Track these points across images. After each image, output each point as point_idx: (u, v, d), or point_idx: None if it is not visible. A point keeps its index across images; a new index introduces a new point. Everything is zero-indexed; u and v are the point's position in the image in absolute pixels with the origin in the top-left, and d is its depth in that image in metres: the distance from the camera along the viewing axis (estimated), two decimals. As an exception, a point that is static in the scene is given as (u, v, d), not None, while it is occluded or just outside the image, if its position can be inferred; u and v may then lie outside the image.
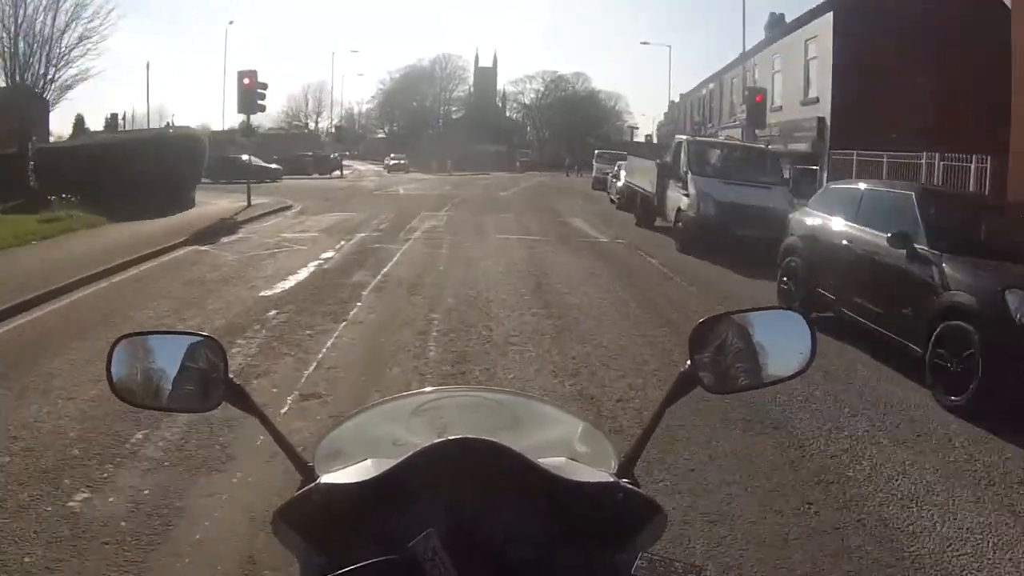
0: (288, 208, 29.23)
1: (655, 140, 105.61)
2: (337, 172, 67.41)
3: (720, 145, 24.91)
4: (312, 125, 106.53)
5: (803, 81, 34.83)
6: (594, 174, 52.59)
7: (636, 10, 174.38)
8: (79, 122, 75.51)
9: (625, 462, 1.68)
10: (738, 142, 29.54)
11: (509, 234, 22.19)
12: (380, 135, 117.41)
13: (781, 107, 37.20)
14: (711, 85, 56.22)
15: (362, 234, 20.71)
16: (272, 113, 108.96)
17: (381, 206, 30.96)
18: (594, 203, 37.12)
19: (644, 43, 75.29)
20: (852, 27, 29.71)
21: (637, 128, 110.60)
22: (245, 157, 53.06)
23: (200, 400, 1.78)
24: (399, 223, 23.82)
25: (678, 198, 20.36)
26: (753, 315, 1.82)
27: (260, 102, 30.15)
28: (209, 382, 1.76)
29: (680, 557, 1.38)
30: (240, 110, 30.36)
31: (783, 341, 1.83)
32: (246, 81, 28.61)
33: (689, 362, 1.74)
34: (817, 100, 32.55)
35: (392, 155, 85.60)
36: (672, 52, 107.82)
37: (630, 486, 1.53)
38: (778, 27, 42.69)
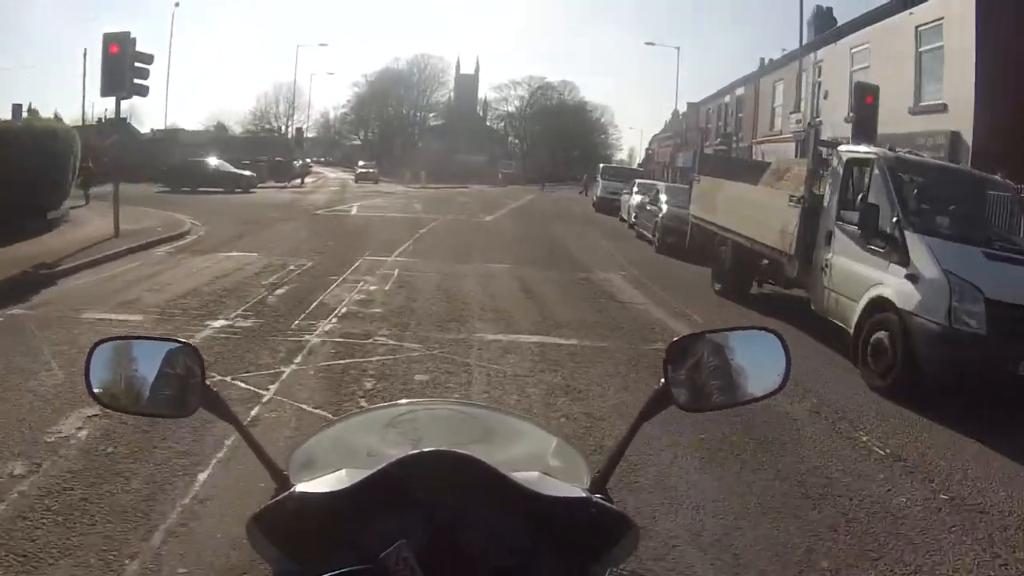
0: (173, 238, 19.83)
1: (639, 156, 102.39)
2: (298, 181, 59.23)
3: (940, 171, 12.52)
4: (283, 128, 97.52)
5: (914, 82, 25.60)
6: (599, 193, 43.32)
7: (626, 19, 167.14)
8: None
9: (598, 478, 1.71)
10: (956, 166, 17.25)
11: (515, 326, 11.44)
12: (356, 141, 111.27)
13: (869, 115, 27.37)
14: (739, 90, 46.69)
15: (220, 321, 10.63)
16: (241, 114, 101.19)
17: (310, 239, 21.32)
18: (618, 239, 27.44)
19: (649, 43, 67.94)
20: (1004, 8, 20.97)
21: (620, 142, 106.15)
22: (213, 162, 45.22)
23: (178, 406, 1.79)
24: (312, 285, 13.96)
25: (879, 280, 9.89)
26: (729, 334, 1.83)
27: (139, 81, 20.01)
28: (187, 388, 1.77)
29: (649, 573, 1.72)
30: (106, 91, 19.97)
31: (758, 361, 1.83)
32: (112, 48, 19.09)
33: (663, 380, 1.76)
34: (945, 108, 23.60)
35: (361, 163, 78.69)
36: (669, 60, 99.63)
37: (603, 501, 1.53)
38: (826, 24, 35.37)
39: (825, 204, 11.75)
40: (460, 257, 18.67)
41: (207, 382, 1.77)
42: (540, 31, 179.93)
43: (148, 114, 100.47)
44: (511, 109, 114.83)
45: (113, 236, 18.22)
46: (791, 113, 35.06)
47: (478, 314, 12.06)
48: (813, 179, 12.31)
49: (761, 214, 13.51)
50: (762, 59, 49.65)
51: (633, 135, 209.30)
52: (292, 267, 15.44)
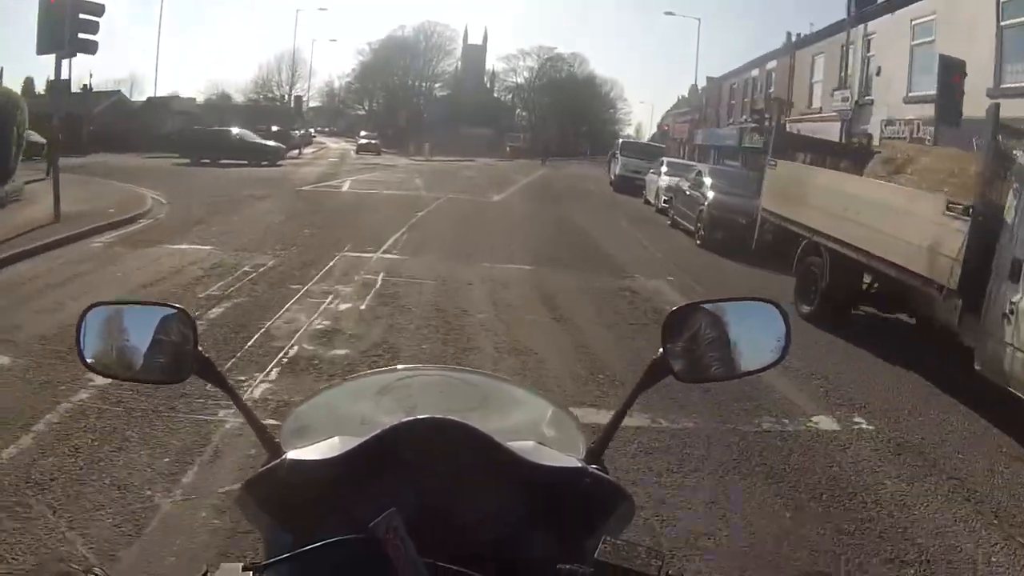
0: (122, 223, 16.61)
1: (648, 132, 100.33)
2: (295, 151, 55.22)
3: None
4: (285, 97, 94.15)
5: (994, 59, 21.92)
6: (618, 171, 39.68)
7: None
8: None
9: (594, 448, 1.67)
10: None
11: (548, 382, 7.63)
12: (360, 111, 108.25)
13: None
14: (771, 64, 42.73)
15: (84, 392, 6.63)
16: (241, 83, 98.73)
17: (284, 225, 17.73)
18: (648, 226, 24.05)
19: (669, 13, 60.87)
20: None
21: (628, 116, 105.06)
22: (235, 131, 42.15)
23: (170, 372, 1.76)
24: (264, 300, 10.47)
25: None
26: (727, 305, 1.80)
27: (85, 36, 16.87)
28: (179, 354, 1.73)
29: (644, 542, 1.28)
30: (43, 47, 17.03)
31: (757, 332, 1.81)
32: (51, -1, 16.08)
33: (661, 350, 1.72)
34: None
35: (363, 133, 75.45)
36: (683, 33, 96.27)
37: (598, 471, 1.51)
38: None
39: (1009, 220, 7.92)
40: (464, 253, 15.05)
41: (199, 348, 1.71)
42: (547, 4, 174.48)
43: (149, 81, 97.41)
44: (520, 80, 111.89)
45: (52, 221, 15.19)
46: (835, 90, 31.44)
47: (491, 357, 8.46)
48: (990, 182, 8.45)
49: (889, 221, 9.69)
50: (789, 33, 46.55)
51: (643, 110, 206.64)
52: (247, 268, 11.98)
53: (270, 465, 1.49)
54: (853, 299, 11.57)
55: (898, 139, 25.08)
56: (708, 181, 21.42)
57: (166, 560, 4.21)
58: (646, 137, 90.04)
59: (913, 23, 26.18)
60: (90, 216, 16.26)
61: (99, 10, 16.99)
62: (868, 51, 30.13)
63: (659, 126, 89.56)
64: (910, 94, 25.52)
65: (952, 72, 20.12)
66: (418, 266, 13.20)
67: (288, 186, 28.45)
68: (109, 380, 7.28)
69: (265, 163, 39.39)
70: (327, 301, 10.24)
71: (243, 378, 7.04)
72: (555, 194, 33.93)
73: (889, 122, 26.65)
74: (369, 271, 12.43)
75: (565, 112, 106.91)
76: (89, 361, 1.78)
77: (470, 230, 18.53)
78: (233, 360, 7.52)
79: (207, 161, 37.64)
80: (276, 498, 1.45)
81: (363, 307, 10.06)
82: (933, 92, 24.01)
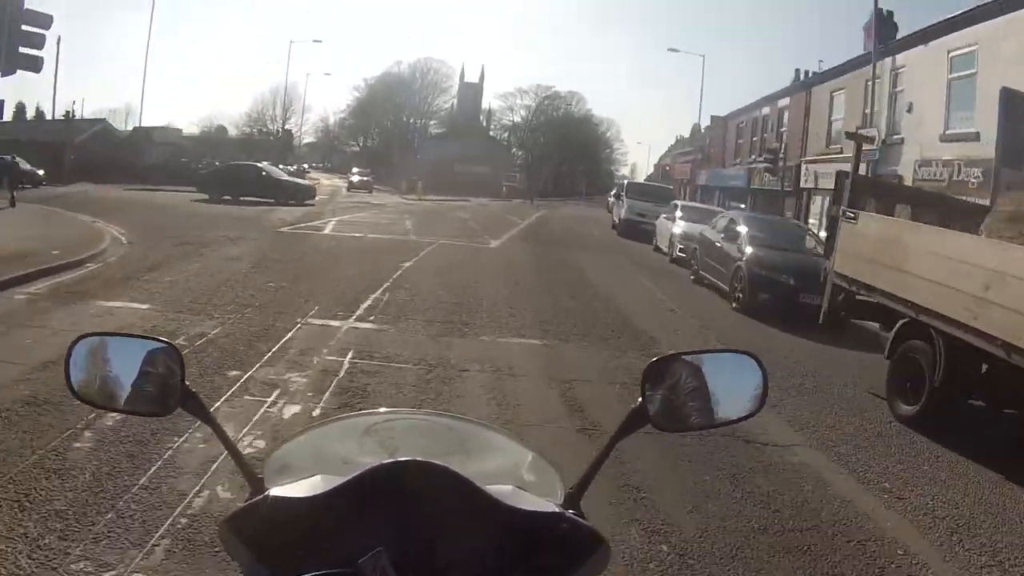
0: (62, 269, 14.21)
1: (644, 172, 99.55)
2: None
3: None
4: (279, 131, 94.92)
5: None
6: (623, 215, 36.57)
7: (637, 32, 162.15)
8: None
9: (572, 493, 1.69)
10: None
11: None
12: (354, 148, 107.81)
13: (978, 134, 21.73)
14: (783, 102, 40.39)
15: None
16: (236, 116, 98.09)
17: (247, 278, 14.90)
18: (666, 280, 21.23)
19: (673, 50, 59.27)
20: None
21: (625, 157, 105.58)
22: (261, 167, 40.04)
23: (156, 405, 1.79)
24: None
25: None
26: (706, 356, 1.85)
27: (26, 51, 14.84)
28: (166, 387, 1.77)
29: None
30: None
31: (735, 382, 1.84)
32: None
33: (640, 399, 1.77)
34: None
35: (355, 169, 73.21)
36: (682, 72, 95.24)
37: (575, 517, 1.54)
38: (887, 29, 29.81)
39: None
40: (457, 322, 12.20)
41: (186, 382, 1.76)
42: (547, 41, 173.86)
43: (145, 112, 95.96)
44: (516, 119, 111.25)
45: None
46: (859, 128, 28.97)
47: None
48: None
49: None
50: (798, 70, 44.62)
51: (639, 150, 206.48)
52: (181, 342, 9.17)
53: (252, 501, 1.50)
54: (966, 392, 8.89)
55: (934, 181, 22.70)
56: (744, 231, 18.43)
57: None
58: (642, 177, 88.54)
59: (951, 55, 23.95)
60: (31, 258, 14.15)
61: (46, 22, 14.79)
62: (896, 86, 27.93)
63: (661, 166, 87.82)
64: (947, 131, 23.33)
65: (1018, 106, 17.64)
66: (398, 341, 10.44)
67: (267, 226, 25.78)
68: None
69: (292, 202, 36.63)
70: (268, 401, 7.47)
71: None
72: (557, 239, 31.18)
73: (924, 163, 24.21)
74: (334, 349, 9.69)
75: (561, 152, 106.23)
76: (76, 388, 1.78)
77: (465, 287, 15.66)
78: (85, 544, 4.67)
79: (228, 198, 35.25)
80: (258, 534, 1.45)
81: (317, 412, 7.32)
82: (973, 129, 21.86)
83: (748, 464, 7.27)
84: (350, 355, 9.39)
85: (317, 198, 41.20)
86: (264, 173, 38.98)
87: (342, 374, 8.54)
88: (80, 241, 17.28)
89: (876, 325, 11.64)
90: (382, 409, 2.36)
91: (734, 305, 16.77)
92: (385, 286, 14.74)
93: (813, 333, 13.28)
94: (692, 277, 21.01)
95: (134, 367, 1.77)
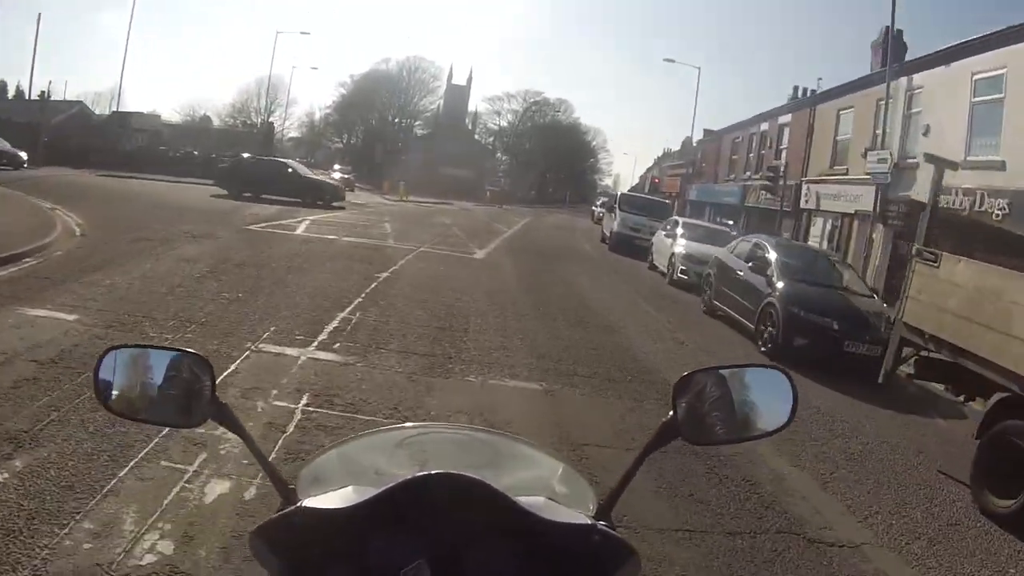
0: None
1: (628, 183, 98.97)
2: None
3: None
4: (261, 123, 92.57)
5: None
6: (616, 228, 34.14)
7: (628, 45, 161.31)
8: None
9: (603, 505, 1.72)
10: None
11: None
12: (338, 144, 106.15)
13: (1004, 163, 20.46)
14: (785, 117, 38.85)
15: None
16: (219, 106, 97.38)
17: (201, 283, 13.09)
18: (670, 307, 19.18)
19: (669, 60, 58.55)
20: None
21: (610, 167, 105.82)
22: (287, 164, 38.89)
23: (186, 415, 1.79)
24: (90, 451, 5.89)
25: None
26: (737, 371, 1.84)
27: None
28: (196, 398, 1.77)
29: None
30: None
31: (765, 397, 1.83)
32: None
33: (672, 412, 1.77)
34: None
35: (337, 166, 72.25)
36: (673, 86, 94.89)
37: (607, 528, 1.53)
38: (896, 47, 28.03)
39: None
40: (439, 355, 10.25)
41: (216, 394, 1.75)
42: (537, 46, 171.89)
43: (129, 95, 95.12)
44: (503, 124, 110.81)
45: None
46: (868, 150, 27.43)
47: None
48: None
49: None
50: (796, 87, 43.40)
51: (626, 161, 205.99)
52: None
53: (284, 511, 1.51)
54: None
55: (954, 209, 21.06)
56: (775, 261, 15.79)
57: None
58: (625, 188, 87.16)
59: (975, 77, 22.37)
60: None
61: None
62: (911, 107, 26.37)
63: (649, 178, 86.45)
64: (968, 158, 21.62)
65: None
66: (366, 380, 8.52)
67: (236, 222, 23.79)
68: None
69: (320, 203, 34.49)
70: (189, 472, 5.59)
71: None
72: (545, 251, 29.27)
73: (942, 189, 22.55)
74: (286, 390, 7.77)
75: (547, 159, 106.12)
76: (105, 399, 1.80)
77: (448, 308, 13.63)
78: None
79: (248, 195, 33.37)
80: (288, 544, 1.45)
81: (251, 494, 5.41)
82: (998, 157, 20.33)
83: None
84: (304, 400, 7.48)
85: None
86: (291, 170, 36.64)
87: (291, 429, 6.63)
88: (27, 231, 15.45)
89: (940, 386, 9.91)
90: (412, 424, 2.51)
91: (762, 348, 14.31)
92: (356, 303, 12.84)
93: (862, 391, 11.57)
94: (703, 307, 18.64)
95: (162, 378, 1.77)
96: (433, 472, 1.44)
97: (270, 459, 1.79)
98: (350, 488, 1.52)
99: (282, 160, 39.45)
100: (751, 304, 15.46)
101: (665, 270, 24.75)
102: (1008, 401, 7.64)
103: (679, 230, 25.51)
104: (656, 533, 5.76)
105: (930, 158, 18.76)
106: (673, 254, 23.94)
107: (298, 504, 1.51)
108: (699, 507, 6.40)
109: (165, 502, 5.09)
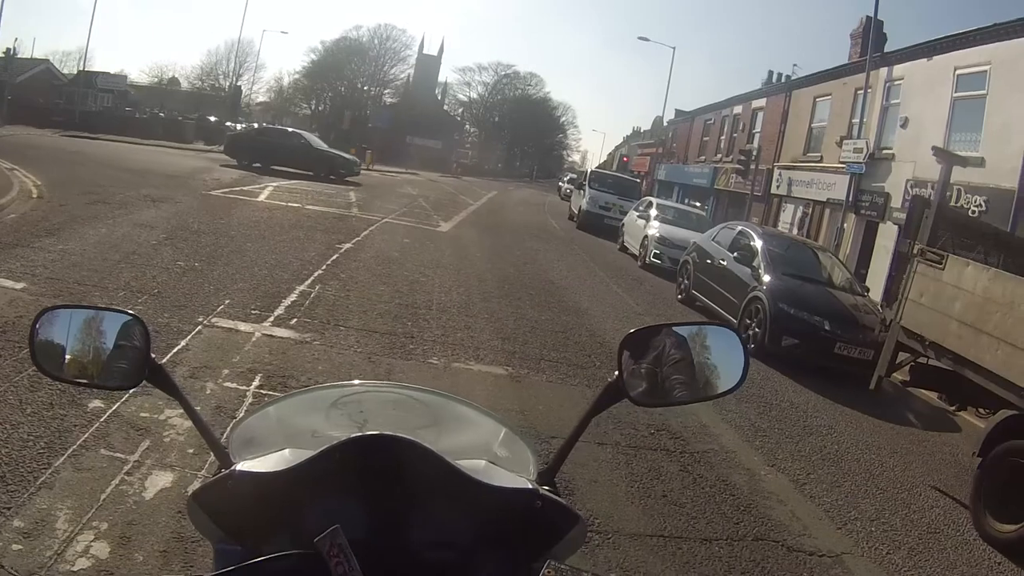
0: None
1: (595, 161, 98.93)
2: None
3: None
4: (229, 86, 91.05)
5: None
6: (585, 206, 33.28)
7: (598, 20, 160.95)
8: None
9: (546, 470, 1.66)
10: None
11: None
12: (306, 111, 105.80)
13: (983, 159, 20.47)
14: (760, 102, 38.64)
15: None
16: (187, 69, 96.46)
17: (158, 250, 12.64)
18: (642, 291, 18.92)
19: (643, 39, 56.68)
20: None
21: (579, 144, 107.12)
22: (297, 135, 37.08)
23: (122, 377, 1.74)
24: (13, 439, 5.37)
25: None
26: (685, 328, 1.77)
27: None
28: (131, 359, 1.72)
29: (588, 568, 1.43)
30: None
31: (716, 357, 1.77)
32: None
33: (617, 372, 1.70)
34: None
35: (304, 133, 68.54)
36: (645, 64, 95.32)
37: (549, 494, 1.49)
38: (877, 38, 27.55)
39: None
40: (400, 333, 9.89)
41: (152, 355, 1.70)
42: (511, 19, 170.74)
43: (98, 55, 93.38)
44: (473, 95, 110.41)
45: None
46: (844, 139, 27.27)
47: None
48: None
49: None
50: (771, 71, 43.31)
51: (595, 138, 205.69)
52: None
53: (220, 475, 1.47)
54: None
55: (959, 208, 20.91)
56: (762, 251, 14.78)
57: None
58: (593, 165, 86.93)
59: (958, 72, 22.35)
60: None
61: None
62: (889, 98, 26.34)
63: (618, 155, 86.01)
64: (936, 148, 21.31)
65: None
66: (323, 360, 8.15)
67: (197, 186, 23.17)
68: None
69: (334, 177, 33.63)
70: (130, 463, 5.18)
71: None
72: (511, 227, 28.83)
73: (917, 183, 22.46)
74: (238, 370, 7.36)
75: (515, 133, 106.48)
76: (40, 359, 1.74)
77: (412, 284, 13.22)
78: None
79: (258, 166, 32.51)
80: (225, 508, 1.42)
81: (195, 487, 5.03)
82: (978, 154, 20.18)
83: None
84: (257, 382, 7.09)
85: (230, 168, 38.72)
86: (303, 141, 35.43)
87: (242, 414, 6.21)
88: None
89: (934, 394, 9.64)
90: (352, 381, 2.27)
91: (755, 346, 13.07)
92: (316, 275, 12.41)
93: (851, 396, 11.23)
94: (680, 296, 17.70)
95: (97, 340, 1.72)
96: (370, 433, 1.41)
97: (221, 438, 1.69)
98: (286, 451, 1.50)
99: (294, 130, 38.18)
100: (735, 297, 14.61)
101: (637, 252, 23.93)
102: (1015, 419, 7.24)
103: (653, 211, 24.88)
104: (629, 539, 5.47)
105: (939, 152, 18.43)
106: (646, 236, 23.13)
107: (232, 468, 1.46)
108: (673, 510, 6.10)
109: (102, 497, 4.69)
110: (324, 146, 36.90)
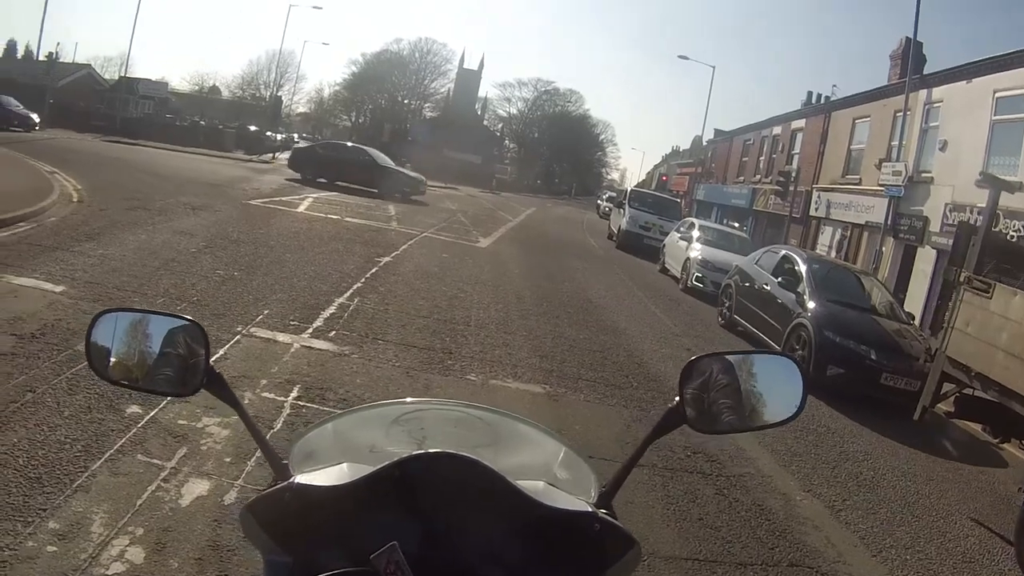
0: None
1: (634, 179, 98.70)
2: (269, 155, 51.36)
3: None
4: (270, 96, 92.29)
5: None
6: (625, 226, 32.22)
7: (642, 41, 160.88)
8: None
9: (604, 492, 1.67)
10: None
11: None
12: (346, 122, 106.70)
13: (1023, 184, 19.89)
14: (799, 122, 38.42)
15: None
16: (228, 77, 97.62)
17: (198, 257, 12.74)
18: (684, 318, 18.61)
19: (683, 57, 57.51)
20: None
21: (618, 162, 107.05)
22: (363, 151, 36.83)
23: (179, 384, 1.73)
24: (47, 448, 5.43)
25: None
26: (746, 357, 1.80)
27: None
28: (189, 367, 1.72)
29: None
30: None
31: (774, 386, 1.79)
32: None
33: (677, 398, 1.73)
34: None
35: (350, 145, 69.14)
36: (684, 84, 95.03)
37: (607, 517, 1.49)
38: (916, 59, 26.96)
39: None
40: (438, 348, 9.87)
41: (211, 362, 1.70)
42: (551, 36, 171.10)
43: (141, 66, 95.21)
44: (513, 111, 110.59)
45: None
46: (883, 161, 26.96)
47: None
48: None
49: None
50: (810, 92, 42.91)
51: (633, 156, 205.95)
52: (81, 348, 6.88)
53: (276, 487, 1.46)
54: None
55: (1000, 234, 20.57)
56: (808, 277, 14.30)
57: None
58: (632, 183, 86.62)
59: (997, 95, 21.94)
60: None
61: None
62: (928, 121, 25.83)
63: (657, 174, 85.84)
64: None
65: None
66: (362, 373, 8.12)
67: (237, 195, 23.34)
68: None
69: (398, 196, 33.46)
70: (167, 470, 5.18)
71: None
72: (550, 245, 28.73)
73: (956, 207, 22.14)
74: (276, 381, 7.35)
75: (554, 149, 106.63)
76: (100, 369, 1.75)
77: (450, 299, 13.18)
78: None
79: (323, 181, 32.46)
80: (279, 521, 1.42)
81: (232, 497, 5.00)
82: (1017, 178, 19.79)
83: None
84: (295, 393, 7.07)
85: (261, 180, 38.66)
86: (368, 158, 35.18)
87: (279, 425, 6.22)
88: (21, 195, 14.90)
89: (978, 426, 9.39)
90: (410, 399, 2.23)
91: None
92: (355, 287, 12.43)
93: (890, 423, 10.96)
94: (721, 320, 17.21)
95: (159, 345, 1.72)
96: (430, 451, 1.42)
97: (258, 450, 1.70)
98: (344, 465, 1.50)
99: (360, 146, 37.85)
100: (778, 323, 14.10)
101: (679, 275, 23.16)
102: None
103: (695, 232, 24.04)
104: (664, 562, 5.39)
105: (987, 177, 18.08)
106: (688, 259, 22.35)
107: (290, 480, 1.47)
108: (709, 533, 6.01)
109: (138, 502, 4.69)
110: (391, 163, 36.60)
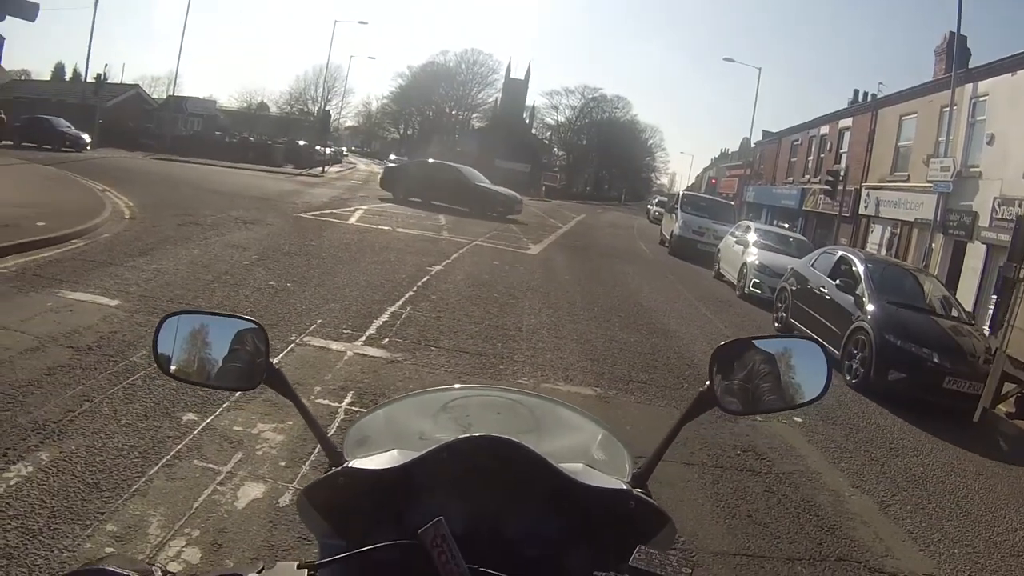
0: (44, 244, 12.38)
1: (684, 183, 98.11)
2: (319, 168, 52.56)
3: None
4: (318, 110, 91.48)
5: None
6: (677, 231, 31.63)
7: (688, 43, 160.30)
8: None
9: (640, 472, 1.72)
10: None
11: None
12: (394, 135, 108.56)
13: None
14: (846, 121, 37.94)
15: None
16: (275, 93, 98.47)
17: (251, 269, 12.98)
18: (735, 317, 18.41)
19: (728, 60, 56.97)
20: None
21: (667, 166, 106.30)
22: (461, 169, 36.40)
23: (242, 380, 1.83)
24: (95, 466, 5.46)
25: None
26: (773, 341, 1.84)
27: None
28: (251, 364, 1.79)
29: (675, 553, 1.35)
30: None
31: (799, 370, 1.83)
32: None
33: (708, 382, 1.76)
34: None
35: (393, 156, 73.82)
36: (731, 85, 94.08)
37: (643, 495, 1.54)
38: (961, 54, 26.35)
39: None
40: (490, 353, 9.92)
41: (270, 359, 1.78)
42: (596, 42, 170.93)
43: (188, 81, 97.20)
44: (560, 119, 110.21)
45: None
46: (931, 157, 26.55)
47: None
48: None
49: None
50: (857, 91, 42.44)
51: (682, 160, 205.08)
52: (137, 360, 7.15)
53: (331, 472, 1.54)
54: None
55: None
56: (866, 279, 13.74)
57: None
58: (681, 187, 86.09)
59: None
60: (11, 228, 12.29)
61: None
62: (975, 115, 25.37)
63: (706, 177, 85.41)
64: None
65: None
66: (414, 379, 8.15)
67: (288, 209, 23.62)
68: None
69: (493, 215, 33.21)
70: (223, 474, 5.27)
71: None
72: (601, 251, 28.52)
73: (1004, 201, 21.76)
74: (330, 387, 7.46)
75: (602, 155, 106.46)
76: (164, 366, 1.83)
77: (501, 305, 13.20)
78: None
79: (416, 200, 32.60)
80: (333, 504, 1.49)
81: (287, 499, 5.06)
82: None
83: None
84: (348, 399, 7.16)
85: (353, 181, 38.82)
86: (461, 177, 34.93)
87: (333, 430, 6.25)
88: (76, 212, 15.34)
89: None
90: (456, 385, 2.34)
91: (849, 378, 12.33)
92: (407, 296, 12.53)
93: (941, 421, 10.72)
94: (777, 324, 16.53)
95: (222, 344, 1.79)
96: (475, 435, 1.47)
97: (313, 453, 1.80)
98: (395, 451, 1.55)
99: (452, 165, 37.06)
100: (837, 327, 13.51)
101: (735, 281, 22.31)
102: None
103: (751, 236, 23.10)
104: (713, 557, 5.39)
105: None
106: (744, 264, 21.54)
107: (344, 465, 1.54)
108: (757, 529, 5.99)
109: (195, 505, 4.78)
110: (485, 181, 35.83)
